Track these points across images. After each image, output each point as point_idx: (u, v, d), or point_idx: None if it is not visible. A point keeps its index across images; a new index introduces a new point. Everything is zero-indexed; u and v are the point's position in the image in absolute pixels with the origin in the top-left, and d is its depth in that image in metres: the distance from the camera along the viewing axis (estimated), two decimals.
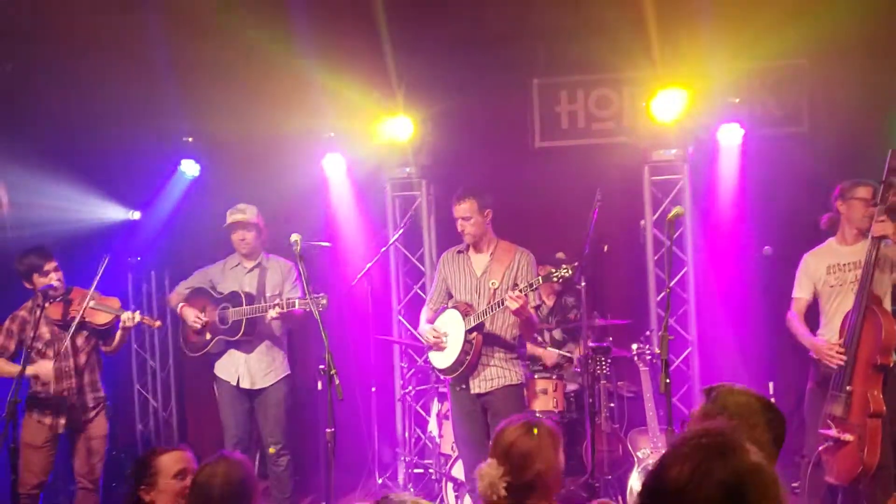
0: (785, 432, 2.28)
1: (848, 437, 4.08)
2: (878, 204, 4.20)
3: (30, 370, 4.64)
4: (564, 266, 4.15)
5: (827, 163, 5.53)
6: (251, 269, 5.24)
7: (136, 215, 6.73)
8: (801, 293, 4.67)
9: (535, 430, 2.54)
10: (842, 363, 4.21)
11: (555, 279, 4.19)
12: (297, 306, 4.77)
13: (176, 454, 2.97)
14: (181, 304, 5.23)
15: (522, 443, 2.50)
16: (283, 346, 5.28)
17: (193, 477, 2.76)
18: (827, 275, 4.57)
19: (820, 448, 4.21)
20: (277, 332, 5.21)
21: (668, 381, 3.50)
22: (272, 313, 4.86)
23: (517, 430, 2.55)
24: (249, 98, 6.37)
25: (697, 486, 1.44)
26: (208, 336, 5.19)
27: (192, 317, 5.15)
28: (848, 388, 4.15)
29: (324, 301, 4.63)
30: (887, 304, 4.33)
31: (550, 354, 5.58)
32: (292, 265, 5.21)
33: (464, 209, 4.46)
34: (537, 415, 5.07)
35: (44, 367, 4.70)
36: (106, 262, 4.84)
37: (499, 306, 4.33)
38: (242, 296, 5.07)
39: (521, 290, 4.17)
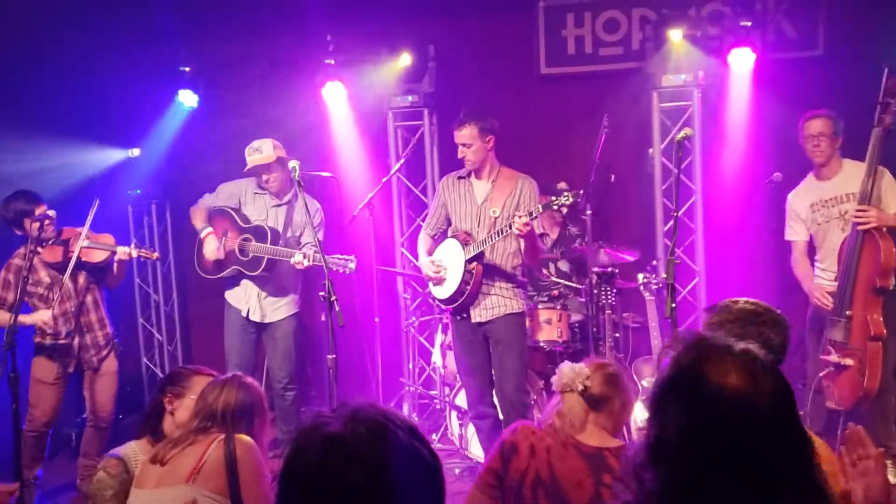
0: (788, 336, 2.38)
1: (848, 361, 4.08)
2: (875, 126, 4.16)
3: (27, 319, 4.52)
4: (565, 193, 4.04)
5: (843, 88, 5.33)
6: (279, 205, 5.09)
7: (136, 152, 6.56)
8: (796, 236, 4.71)
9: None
10: (828, 307, 4.33)
11: (555, 207, 4.10)
12: (321, 262, 4.38)
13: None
14: (207, 231, 5.03)
15: (615, 376, 2.66)
16: (297, 287, 5.21)
17: (202, 390, 2.81)
18: (812, 213, 4.60)
19: (821, 374, 4.22)
20: (295, 272, 5.07)
21: (673, 305, 3.44)
22: (297, 258, 4.71)
23: (607, 368, 2.69)
24: (247, 25, 6.20)
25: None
26: (226, 264, 5.07)
27: (213, 248, 4.98)
28: (848, 312, 4.16)
29: (351, 265, 4.56)
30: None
31: None
32: (319, 207, 5.10)
33: (465, 135, 4.33)
34: (541, 344, 5.08)
35: (40, 316, 4.59)
36: (96, 205, 4.72)
37: (499, 235, 4.25)
38: (268, 232, 4.91)
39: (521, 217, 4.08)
